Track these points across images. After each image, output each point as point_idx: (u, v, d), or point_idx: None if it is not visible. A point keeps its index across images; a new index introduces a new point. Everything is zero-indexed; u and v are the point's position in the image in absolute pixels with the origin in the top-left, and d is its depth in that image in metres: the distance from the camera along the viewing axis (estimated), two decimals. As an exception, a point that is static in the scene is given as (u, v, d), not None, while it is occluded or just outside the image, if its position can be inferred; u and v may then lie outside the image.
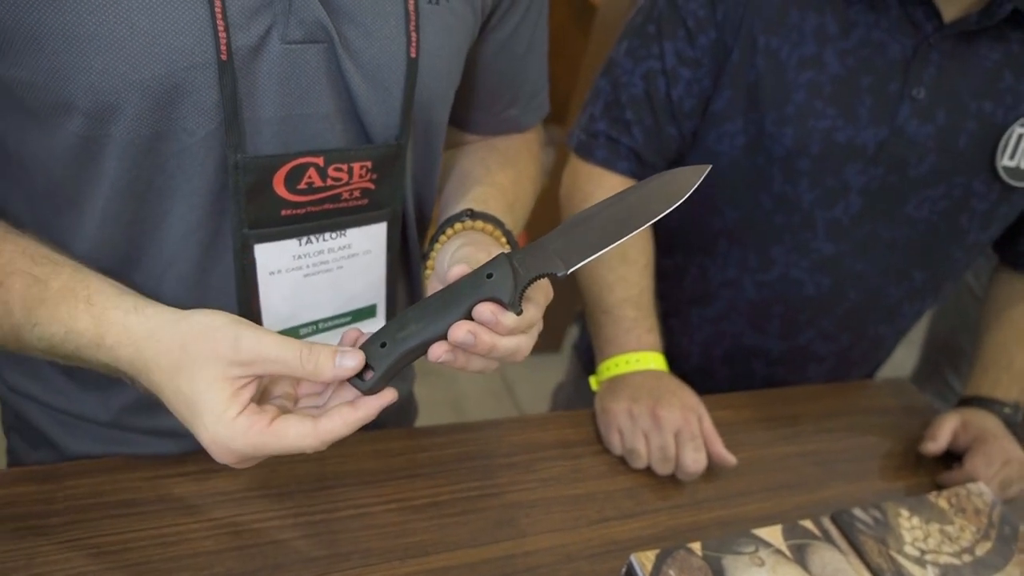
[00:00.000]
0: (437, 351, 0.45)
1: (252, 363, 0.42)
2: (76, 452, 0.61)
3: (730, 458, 0.72)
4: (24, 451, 0.65)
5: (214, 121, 0.47)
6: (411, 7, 0.52)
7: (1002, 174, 0.77)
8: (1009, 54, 0.75)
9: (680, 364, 0.94)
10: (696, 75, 0.78)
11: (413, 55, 0.53)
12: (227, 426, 0.41)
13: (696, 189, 0.54)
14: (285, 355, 0.42)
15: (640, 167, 0.83)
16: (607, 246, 0.49)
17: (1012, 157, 0.76)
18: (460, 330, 0.44)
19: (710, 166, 0.51)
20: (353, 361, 0.43)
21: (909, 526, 0.71)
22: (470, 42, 0.60)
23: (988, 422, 0.82)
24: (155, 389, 0.44)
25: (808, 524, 0.68)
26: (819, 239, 0.81)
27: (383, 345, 0.45)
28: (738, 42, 0.76)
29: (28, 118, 0.46)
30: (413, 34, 0.52)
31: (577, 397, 1.06)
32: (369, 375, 0.45)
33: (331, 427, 0.43)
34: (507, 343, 0.46)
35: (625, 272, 0.81)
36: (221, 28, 0.45)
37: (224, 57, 0.45)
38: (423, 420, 0.74)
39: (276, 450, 0.42)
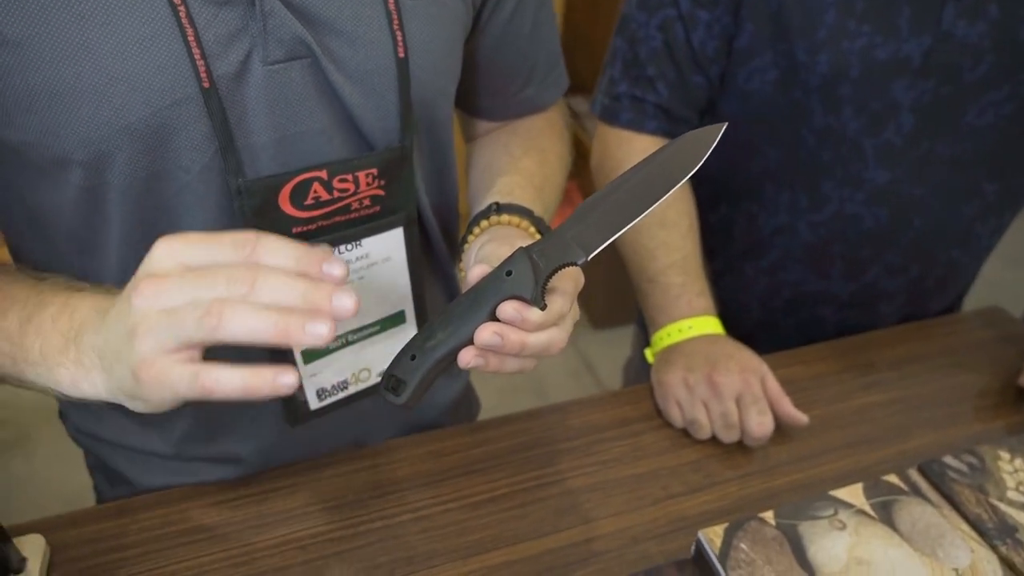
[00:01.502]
0: (466, 356, 0.44)
1: None
2: (148, 485, 0.64)
3: (801, 416, 0.68)
4: (105, 488, 0.69)
5: (208, 153, 0.48)
6: (392, 6, 0.51)
7: None
8: None
9: (743, 321, 0.90)
10: (715, 15, 0.74)
11: (401, 55, 0.52)
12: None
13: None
14: None
15: (670, 123, 0.80)
16: (625, 225, 0.46)
17: None
18: (486, 332, 0.43)
19: (725, 124, 0.47)
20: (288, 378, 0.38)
21: (1012, 469, 0.65)
22: (465, 31, 0.59)
23: None
24: (104, 312, 0.42)
25: (893, 479, 0.63)
26: (871, 168, 0.75)
27: (413, 358, 0.45)
28: None
29: (36, 173, 0.48)
30: (398, 33, 0.51)
31: (644, 370, 1.03)
32: (403, 389, 0.45)
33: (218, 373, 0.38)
34: (537, 339, 0.45)
35: (666, 237, 0.77)
36: (198, 58, 0.45)
37: (207, 85, 0.45)
38: (505, 408, 0.73)
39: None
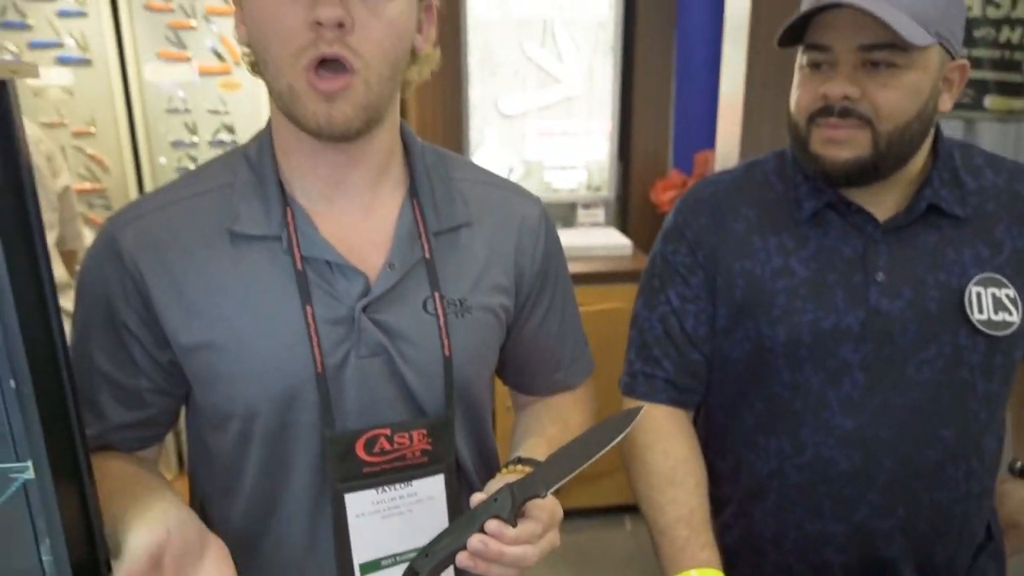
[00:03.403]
0: (462, 558, 0.65)
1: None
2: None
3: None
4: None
5: (314, 413, 0.73)
6: (441, 323, 0.77)
7: (980, 327, 0.86)
8: (942, 235, 0.89)
9: (762, 566, 0.98)
10: (699, 307, 0.96)
11: (447, 354, 0.77)
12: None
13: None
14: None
15: (678, 393, 0.98)
16: (575, 471, 0.67)
17: (981, 312, 0.86)
18: (474, 540, 0.64)
19: (644, 407, 0.68)
20: None
21: None
22: (500, 337, 0.84)
23: None
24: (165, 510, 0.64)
25: None
26: (837, 416, 0.89)
27: (426, 555, 0.66)
28: (719, 272, 0.94)
29: (210, 423, 0.76)
30: (445, 340, 0.77)
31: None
32: None
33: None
34: (513, 551, 0.64)
35: (674, 494, 0.91)
36: (318, 356, 0.73)
37: (319, 372, 0.73)
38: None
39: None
